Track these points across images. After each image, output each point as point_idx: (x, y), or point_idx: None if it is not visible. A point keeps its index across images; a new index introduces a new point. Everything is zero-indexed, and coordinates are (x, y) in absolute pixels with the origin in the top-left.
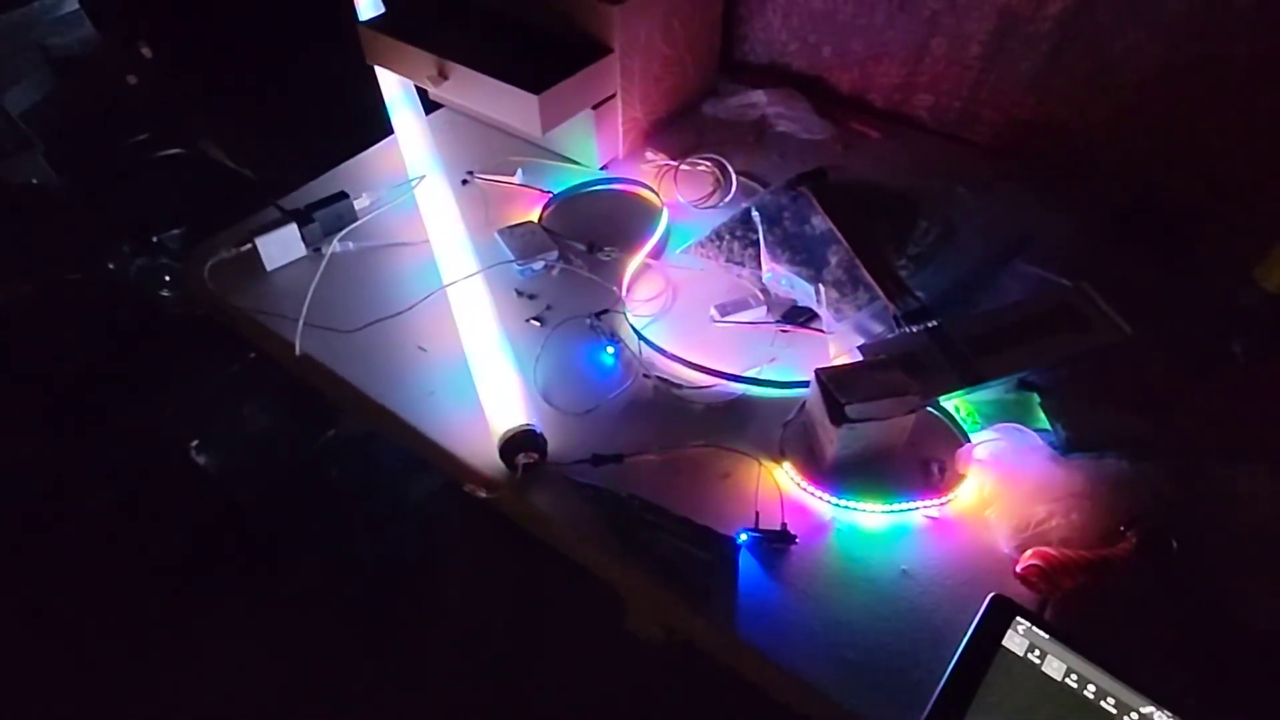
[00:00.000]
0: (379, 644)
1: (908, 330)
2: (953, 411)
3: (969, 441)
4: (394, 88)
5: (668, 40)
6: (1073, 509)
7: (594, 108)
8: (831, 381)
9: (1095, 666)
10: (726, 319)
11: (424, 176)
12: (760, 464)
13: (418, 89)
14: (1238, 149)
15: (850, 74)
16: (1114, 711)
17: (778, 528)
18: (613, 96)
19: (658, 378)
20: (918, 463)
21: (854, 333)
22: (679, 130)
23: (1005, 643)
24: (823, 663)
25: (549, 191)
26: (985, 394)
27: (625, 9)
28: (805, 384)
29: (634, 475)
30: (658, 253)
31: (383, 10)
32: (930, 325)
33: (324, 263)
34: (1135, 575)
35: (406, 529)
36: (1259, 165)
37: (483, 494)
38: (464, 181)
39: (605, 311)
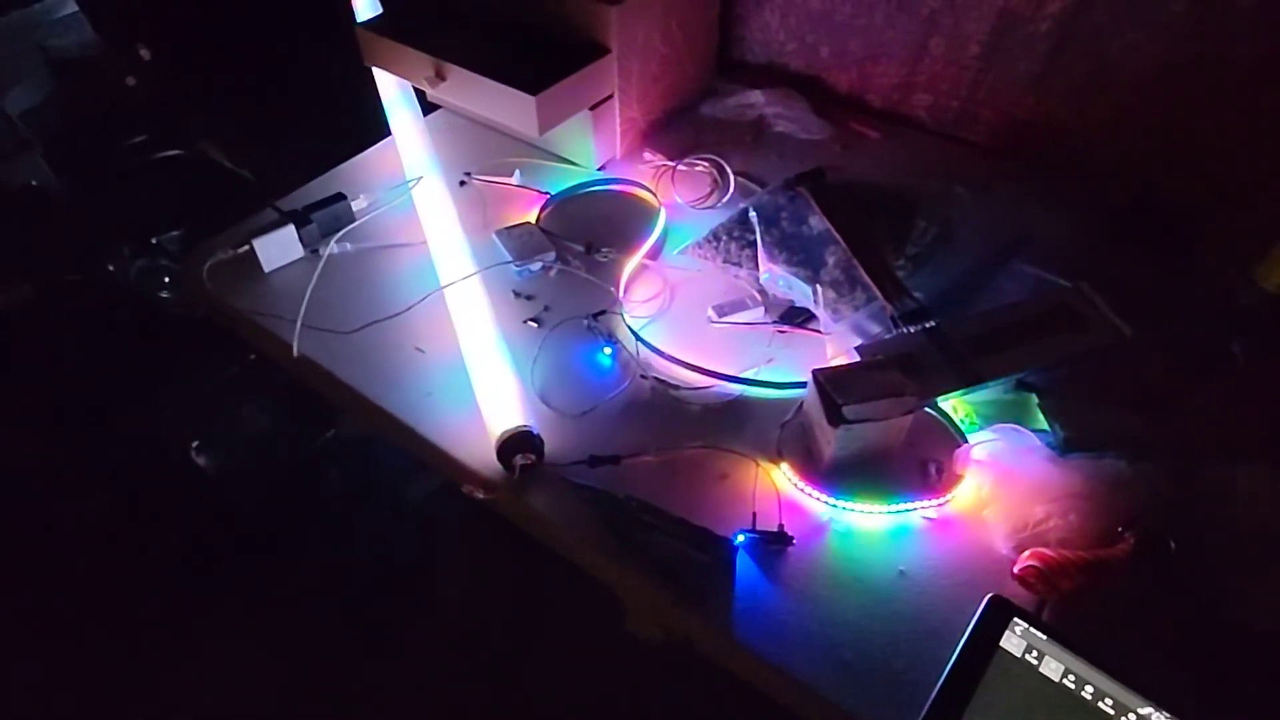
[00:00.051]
0: (379, 644)
1: (905, 331)
2: (950, 412)
3: (967, 442)
4: (392, 89)
5: (665, 40)
6: (1071, 510)
7: (591, 108)
8: (829, 382)
9: (1093, 667)
10: (724, 320)
11: (421, 178)
12: (758, 465)
13: (415, 90)
14: (1238, 149)
15: (848, 74)
16: (1112, 712)
17: (775, 529)
18: (610, 97)
19: (655, 379)
20: (915, 463)
21: (851, 333)
22: (677, 130)
23: (1003, 643)
24: (820, 664)
25: (546, 192)
26: (983, 394)
27: (623, 9)
28: (803, 385)
29: (631, 476)
30: (655, 253)
31: (380, 12)
32: (928, 326)
33: (321, 264)
34: (1133, 576)
35: (406, 529)
36: (1259, 165)
37: (480, 495)
38: (461, 182)
39: (603, 312)
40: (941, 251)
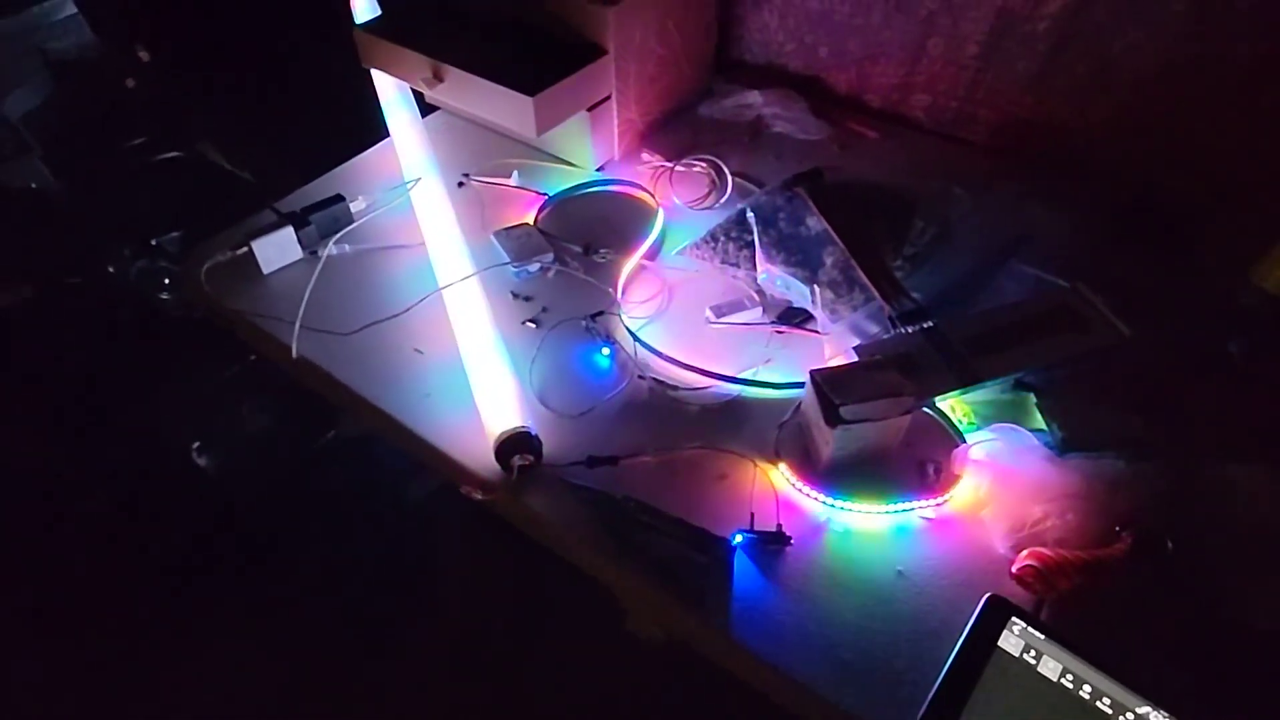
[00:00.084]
0: (379, 643)
1: (903, 331)
2: (949, 412)
3: (965, 442)
4: (390, 90)
5: (663, 41)
6: (1068, 509)
7: (589, 109)
8: (826, 383)
9: (1091, 667)
10: (722, 320)
11: (420, 179)
12: (756, 465)
13: (414, 92)
14: (1238, 149)
15: (847, 74)
16: (1110, 712)
17: (773, 529)
18: (608, 98)
19: (653, 379)
20: (913, 463)
21: (849, 333)
22: (675, 131)
23: (1001, 643)
24: (818, 664)
25: (544, 193)
26: (981, 394)
27: (620, 10)
28: (801, 385)
29: (629, 477)
30: (653, 254)
31: (378, 13)
32: (926, 326)
33: (320, 265)
34: (1131, 576)
35: (406, 529)
36: (1259, 165)
37: (479, 496)
38: (460, 184)
39: (601, 313)
40: (940, 252)
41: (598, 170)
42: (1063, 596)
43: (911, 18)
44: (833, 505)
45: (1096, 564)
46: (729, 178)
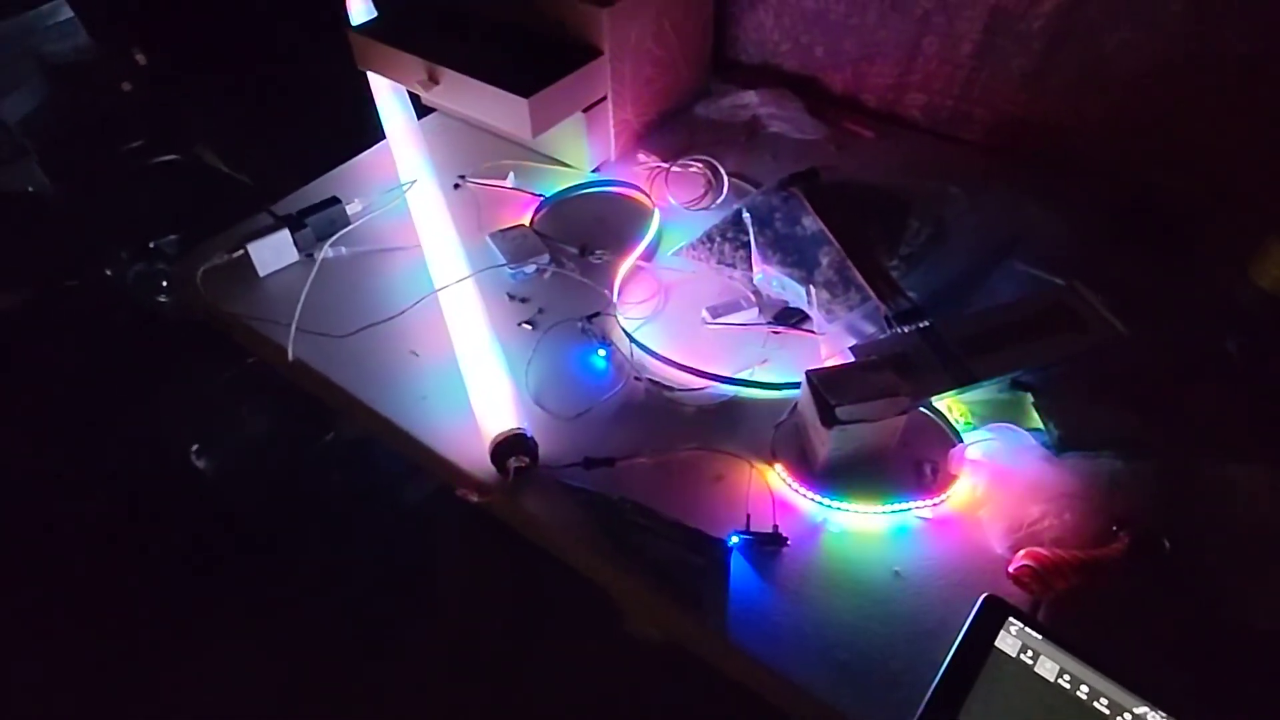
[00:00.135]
0: (378, 644)
1: (899, 331)
2: (945, 412)
3: (961, 442)
4: (385, 93)
5: (658, 42)
6: (1065, 509)
7: (585, 110)
8: (822, 383)
9: (1088, 667)
10: (718, 321)
11: (416, 181)
12: (752, 466)
13: (410, 94)
14: (1237, 149)
15: (843, 74)
16: (1107, 712)
17: (769, 530)
18: (603, 99)
19: (649, 380)
20: (910, 464)
21: (845, 334)
22: (671, 132)
23: (998, 644)
24: (815, 665)
25: (540, 195)
26: (978, 394)
27: (614, 11)
28: (797, 385)
29: (626, 478)
30: (649, 255)
31: (374, 16)
32: (922, 325)
33: (316, 268)
34: (1129, 575)
35: (405, 530)
36: (1258, 165)
37: (475, 498)
38: (455, 186)
39: (597, 314)
40: (936, 251)
41: (594, 171)
42: (1060, 596)
43: (907, 17)
44: (829, 506)
45: (1094, 564)
46: (725, 178)
